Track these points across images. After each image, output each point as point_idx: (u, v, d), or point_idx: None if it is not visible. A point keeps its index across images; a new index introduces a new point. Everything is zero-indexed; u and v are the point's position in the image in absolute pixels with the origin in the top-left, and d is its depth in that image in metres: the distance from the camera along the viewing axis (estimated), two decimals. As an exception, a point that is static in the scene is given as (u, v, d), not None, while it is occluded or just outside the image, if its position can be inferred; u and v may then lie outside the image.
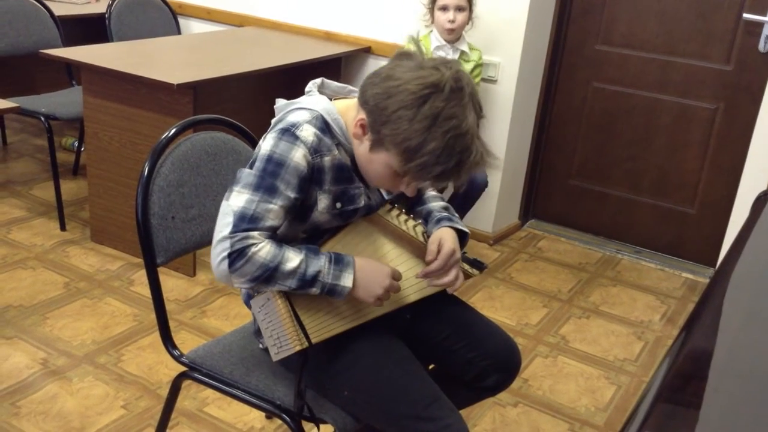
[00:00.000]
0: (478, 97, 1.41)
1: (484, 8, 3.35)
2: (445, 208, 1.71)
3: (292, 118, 1.48)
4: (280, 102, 1.57)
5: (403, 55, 1.42)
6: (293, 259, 1.42)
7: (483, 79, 3.42)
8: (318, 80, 1.59)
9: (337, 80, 1.63)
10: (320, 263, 1.44)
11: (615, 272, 3.42)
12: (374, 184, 1.54)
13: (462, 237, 1.67)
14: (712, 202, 3.44)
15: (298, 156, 1.44)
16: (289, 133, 1.45)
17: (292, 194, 1.44)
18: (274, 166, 1.43)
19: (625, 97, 3.51)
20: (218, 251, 1.41)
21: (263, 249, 1.41)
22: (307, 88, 1.57)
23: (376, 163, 1.44)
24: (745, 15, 3.16)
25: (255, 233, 1.41)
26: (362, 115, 1.42)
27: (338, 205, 1.53)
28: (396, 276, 1.52)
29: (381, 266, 1.51)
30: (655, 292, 3.27)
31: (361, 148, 1.46)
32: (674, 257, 3.57)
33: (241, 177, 1.45)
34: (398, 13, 3.58)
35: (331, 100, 1.55)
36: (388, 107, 1.37)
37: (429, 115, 1.34)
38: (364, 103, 1.42)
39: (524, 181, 3.77)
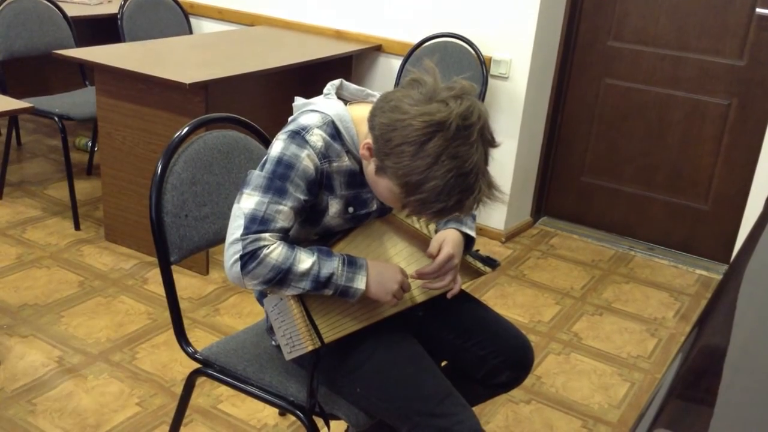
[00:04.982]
0: (489, 128, 1.36)
1: (495, 5, 3.35)
2: None
3: (303, 120, 1.48)
4: (298, 101, 1.57)
5: (414, 82, 1.38)
6: (306, 260, 1.43)
7: (494, 76, 3.42)
8: (336, 81, 1.58)
9: (348, 79, 1.63)
10: (333, 265, 1.44)
11: (628, 269, 3.40)
12: (381, 200, 1.54)
13: (469, 239, 1.66)
14: (725, 198, 3.42)
15: (307, 160, 1.44)
16: (299, 136, 1.45)
17: (301, 196, 1.45)
18: (284, 168, 1.43)
19: (638, 93, 3.49)
20: (230, 254, 1.42)
21: (275, 251, 1.41)
22: (325, 90, 1.57)
23: (380, 185, 1.43)
24: (758, 10, 3.14)
25: (266, 235, 1.41)
26: (369, 140, 1.41)
27: (350, 209, 1.53)
28: (404, 272, 1.52)
29: (390, 265, 1.52)
30: (668, 288, 3.26)
31: (369, 167, 1.45)
32: (688, 254, 3.56)
33: (251, 179, 1.45)
34: (409, 11, 3.58)
35: (348, 103, 1.55)
36: (392, 140, 1.34)
37: (432, 153, 1.30)
38: (371, 128, 1.40)
39: (536, 179, 3.76)
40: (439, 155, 1.31)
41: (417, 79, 1.38)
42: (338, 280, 1.45)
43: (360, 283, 1.46)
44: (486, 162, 1.37)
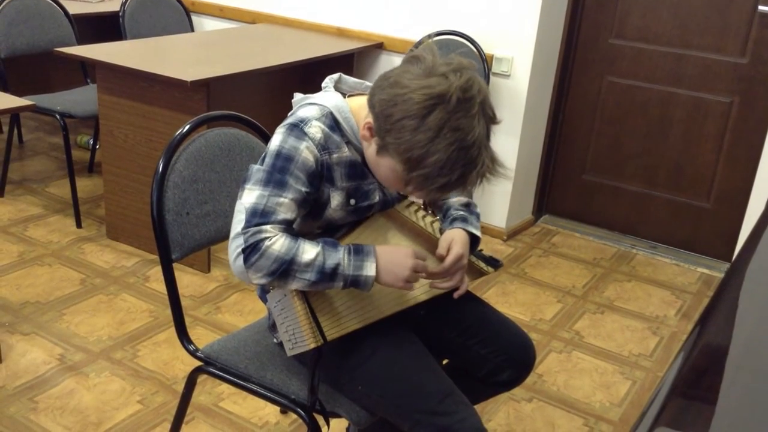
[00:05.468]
0: (490, 104, 1.37)
1: (497, 2, 3.34)
2: (466, 205, 1.69)
3: (302, 113, 1.48)
4: (297, 96, 1.57)
5: (413, 59, 1.38)
6: (310, 250, 1.41)
7: (495, 74, 3.42)
8: (335, 75, 1.58)
9: (350, 76, 1.63)
10: (339, 255, 1.43)
11: (630, 267, 3.40)
12: (383, 184, 1.54)
13: (475, 238, 1.66)
14: (727, 196, 3.42)
15: (306, 151, 1.44)
16: (298, 129, 1.45)
17: (302, 188, 1.44)
18: (283, 161, 1.43)
19: (640, 91, 3.49)
20: (233, 248, 1.41)
21: (277, 242, 1.40)
22: (323, 83, 1.57)
23: (382, 166, 1.43)
24: (761, 7, 3.13)
25: (268, 227, 1.40)
26: (370, 119, 1.41)
27: (352, 201, 1.53)
28: (419, 255, 1.49)
29: (400, 248, 1.49)
30: (670, 287, 3.25)
31: (370, 149, 1.45)
32: (689, 252, 3.55)
33: (251, 174, 1.45)
34: (411, 8, 3.58)
35: (347, 96, 1.55)
36: (392, 115, 1.34)
37: (433, 126, 1.30)
38: (371, 106, 1.40)
39: (538, 177, 3.76)
40: (441, 128, 1.30)
41: (416, 55, 1.38)
42: (345, 270, 1.42)
43: (370, 270, 1.43)
44: (488, 136, 1.36)
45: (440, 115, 1.30)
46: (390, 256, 1.46)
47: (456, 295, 1.60)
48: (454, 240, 1.58)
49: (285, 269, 1.40)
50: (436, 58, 1.37)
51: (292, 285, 1.43)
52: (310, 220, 1.55)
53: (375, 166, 1.46)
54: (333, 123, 1.49)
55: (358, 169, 1.52)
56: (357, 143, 1.50)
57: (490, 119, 1.37)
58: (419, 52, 1.39)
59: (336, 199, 1.51)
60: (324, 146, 1.47)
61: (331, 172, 1.49)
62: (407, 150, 1.33)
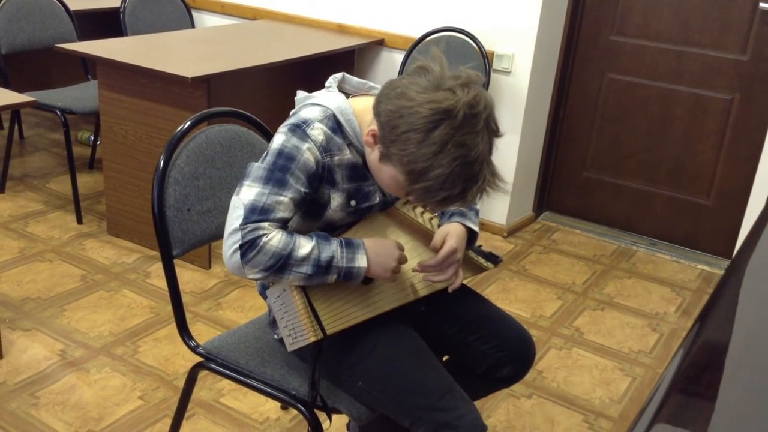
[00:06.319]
0: (494, 118, 1.37)
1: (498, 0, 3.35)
2: None
3: (304, 114, 1.48)
4: (300, 94, 1.57)
5: (421, 69, 1.38)
6: (305, 245, 1.43)
7: (496, 71, 3.41)
8: (339, 75, 1.58)
9: (350, 73, 1.63)
10: (332, 248, 1.44)
11: (630, 264, 3.40)
12: (384, 190, 1.54)
13: (473, 234, 1.66)
14: (728, 193, 3.42)
15: (308, 153, 1.44)
16: (300, 130, 1.45)
17: (302, 188, 1.44)
18: (285, 160, 1.43)
19: (640, 88, 3.49)
20: (229, 243, 1.41)
21: (274, 238, 1.41)
22: (327, 83, 1.57)
23: (384, 173, 1.43)
24: (762, 4, 3.13)
25: (265, 224, 1.41)
26: (374, 126, 1.41)
27: (353, 202, 1.53)
28: (400, 247, 1.52)
29: (386, 240, 1.52)
30: (670, 284, 3.26)
31: (372, 155, 1.45)
32: (690, 249, 3.55)
33: (251, 171, 1.45)
34: (411, 5, 3.58)
35: (350, 96, 1.55)
36: (398, 126, 1.34)
37: (438, 141, 1.31)
38: (377, 115, 1.40)
39: (538, 173, 3.76)
40: (446, 143, 1.31)
41: (424, 66, 1.38)
42: (339, 262, 1.44)
43: (361, 262, 1.46)
44: (490, 152, 1.37)
45: (446, 130, 1.31)
46: (377, 248, 1.48)
47: (450, 289, 1.60)
48: (449, 234, 1.58)
49: (282, 264, 1.41)
50: (444, 70, 1.36)
51: (288, 279, 1.44)
52: (310, 220, 1.55)
53: (376, 172, 1.47)
54: (335, 125, 1.49)
55: (359, 171, 1.52)
56: (359, 145, 1.50)
57: (494, 133, 1.37)
58: (428, 63, 1.38)
59: (336, 200, 1.51)
60: (326, 148, 1.47)
61: (332, 174, 1.49)
62: (411, 162, 1.34)
